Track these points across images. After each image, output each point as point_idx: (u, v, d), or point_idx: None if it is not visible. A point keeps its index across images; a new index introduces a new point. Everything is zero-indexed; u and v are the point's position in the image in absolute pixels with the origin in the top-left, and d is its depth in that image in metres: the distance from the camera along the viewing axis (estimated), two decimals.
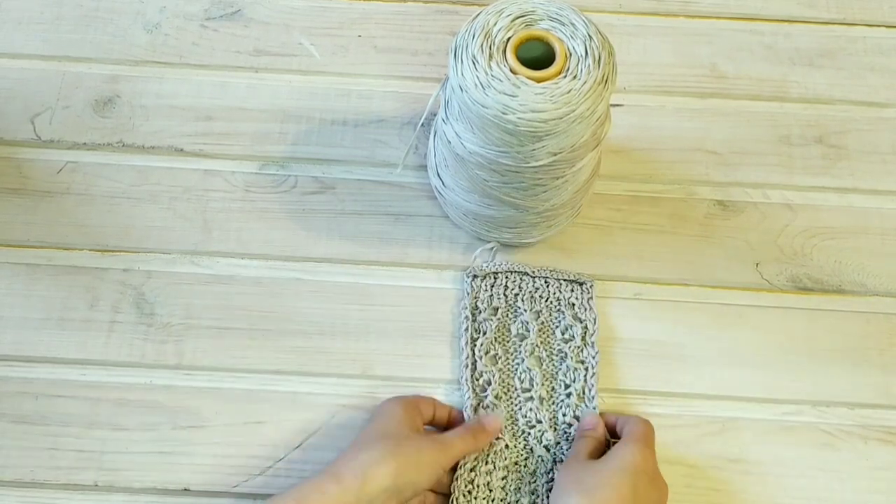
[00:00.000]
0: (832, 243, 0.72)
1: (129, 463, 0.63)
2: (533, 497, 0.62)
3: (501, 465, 0.63)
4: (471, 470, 0.62)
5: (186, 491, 0.62)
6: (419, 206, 0.72)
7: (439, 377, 0.66)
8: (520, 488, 0.62)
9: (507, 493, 0.62)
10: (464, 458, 0.62)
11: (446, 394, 0.66)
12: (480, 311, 0.68)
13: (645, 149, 0.75)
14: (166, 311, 0.68)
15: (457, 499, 0.61)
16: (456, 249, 0.71)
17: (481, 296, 0.68)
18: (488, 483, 0.62)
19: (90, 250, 0.70)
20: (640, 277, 0.70)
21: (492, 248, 0.69)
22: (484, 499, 0.61)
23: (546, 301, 0.68)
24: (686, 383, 0.66)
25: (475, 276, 0.69)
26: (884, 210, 0.73)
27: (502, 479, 0.62)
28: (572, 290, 0.68)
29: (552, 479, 0.62)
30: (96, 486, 0.62)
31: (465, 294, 0.68)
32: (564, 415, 0.64)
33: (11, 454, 0.63)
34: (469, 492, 0.61)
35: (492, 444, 0.63)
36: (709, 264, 0.71)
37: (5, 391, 0.65)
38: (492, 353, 0.66)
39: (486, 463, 0.62)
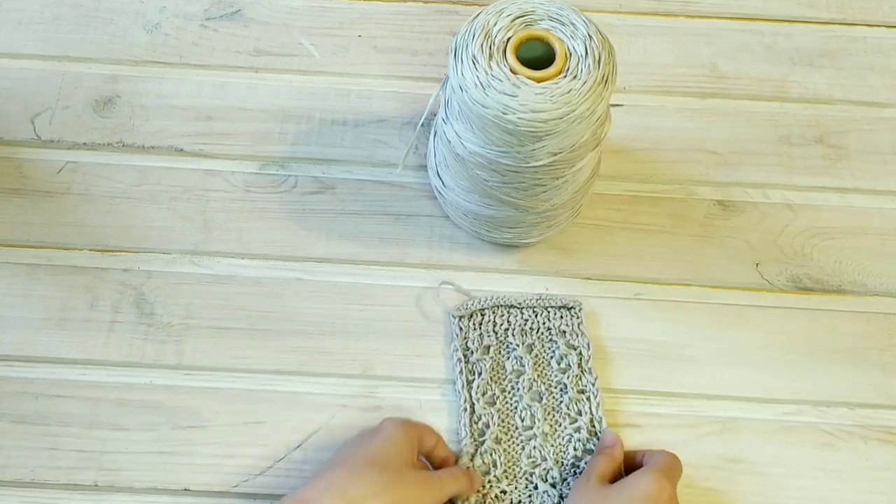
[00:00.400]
0: (832, 243, 0.72)
1: (129, 463, 0.63)
2: None
3: None
4: None
5: (186, 491, 0.62)
6: (419, 206, 0.72)
7: (439, 377, 0.66)
8: None
9: None
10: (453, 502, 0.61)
11: (444, 394, 0.66)
12: (472, 352, 0.66)
13: (645, 149, 0.75)
14: (166, 311, 0.68)
15: None
16: (456, 249, 0.71)
17: (471, 335, 0.66)
18: None
19: (90, 250, 0.70)
20: (640, 277, 0.70)
21: (443, 287, 0.68)
22: None
23: (537, 332, 0.67)
24: (686, 383, 0.66)
25: (461, 317, 0.67)
26: (884, 210, 0.73)
27: None
28: (562, 317, 0.67)
29: None
30: (96, 486, 0.62)
31: (455, 336, 0.66)
32: (576, 448, 0.63)
33: (11, 454, 0.63)
34: None
35: (489, 490, 0.62)
36: (709, 264, 0.71)
37: (5, 391, 0.65)
38: (489, 394, 0.65)
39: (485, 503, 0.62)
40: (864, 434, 0.65)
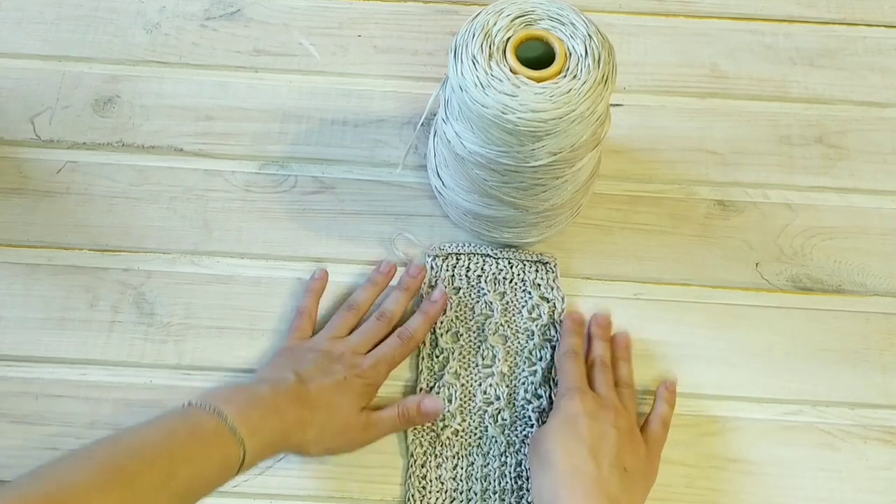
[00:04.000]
0: (832, 243, 0.72)
1: None
2: (485, 483, 0.62)
3: (450, 454, 0.63)
4: (422, 466, 0.62)
5: None
6: (419, 206, 0.72)
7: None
8: (471, 475, 0.62)
9: (458, 483, 0.62)
10: (412, 455, 0.62)
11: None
12: None
13: (645, 149, 0.75)
14: (166, 310, 0.68)
15: (412, 496, 0.62)
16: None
17: (443, 275, 0.68)
18: (439, 477, 0.62)
19: (90, 250, 0.70)
20: (640, 277, 0.70)
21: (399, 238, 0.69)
22: (437, 492, 0.62)
23: (510, 283, 0.68)
24: (686, 383, 0.66)
25: (436, 257, 0.69)
26: (884, 210, 0.73)
27: (453, 468, 0.63)
28: (537, 271, 0.69)
29: (504, 464, 0.63)
30: None
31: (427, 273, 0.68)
32: (526, 391, 0.64)
33: (11, 454, 0.63)
34: (423, 487, 0.62)
35: (439, 435, 0.63)
36: (709, 264, 0.71)
37: (5, 391, 0.65)
38: (453, 330, 0.67)
39: (436, 456, 0.63)
40: (863, 434, 0.65)
